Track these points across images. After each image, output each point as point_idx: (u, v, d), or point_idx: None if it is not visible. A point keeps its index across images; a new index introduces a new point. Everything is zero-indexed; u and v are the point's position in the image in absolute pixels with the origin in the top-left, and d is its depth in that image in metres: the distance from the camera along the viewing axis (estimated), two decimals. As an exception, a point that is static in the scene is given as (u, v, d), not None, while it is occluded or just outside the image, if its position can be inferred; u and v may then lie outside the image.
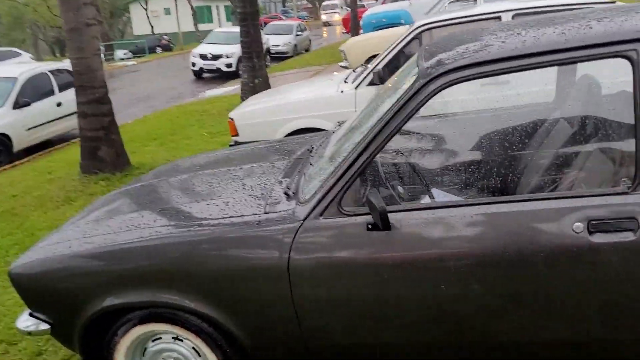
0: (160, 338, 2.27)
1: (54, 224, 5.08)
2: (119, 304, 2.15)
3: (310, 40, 24.45)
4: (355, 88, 4.73)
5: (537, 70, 1.81)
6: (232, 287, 2.04)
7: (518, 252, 1.78)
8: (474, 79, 1.84)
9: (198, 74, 17.85)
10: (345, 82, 5.00)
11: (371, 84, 4.65)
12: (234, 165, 2.82)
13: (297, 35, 22.40)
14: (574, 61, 1.81)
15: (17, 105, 8.96)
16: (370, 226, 1.88)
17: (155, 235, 2.15)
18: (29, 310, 2.42)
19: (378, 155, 1.99)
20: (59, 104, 9.75)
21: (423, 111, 2.07)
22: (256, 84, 10.18)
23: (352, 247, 1.92)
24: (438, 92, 1.87)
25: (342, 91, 4.79)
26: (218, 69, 17.23)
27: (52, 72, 9.97)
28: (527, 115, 2.58)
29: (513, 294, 1.83)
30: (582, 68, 2.67)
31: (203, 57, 17.37)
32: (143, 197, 2.67)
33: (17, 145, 8.93)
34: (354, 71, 5.47)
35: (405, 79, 2.17)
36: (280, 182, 2.37)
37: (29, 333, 2.36)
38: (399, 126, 1.88)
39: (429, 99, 1.88)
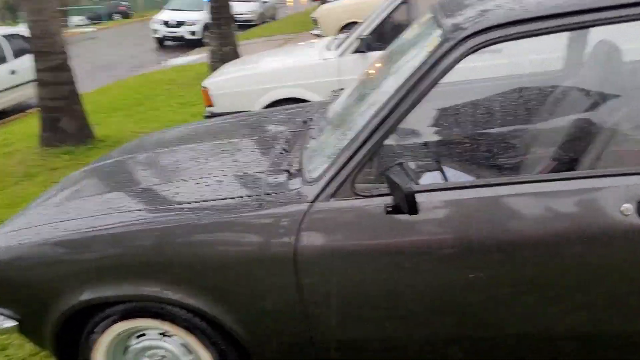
0: (144, 334, 2.02)
1: (14, 201, 4.70)
2: (98, 298, 1.88)
3: (276, 8, 23.79)
4: (339, 56, 4.46)
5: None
6: (230, 278, 1.79)
7: (557, 237, 1.59)
8: (511, 39, 1.61)
9: (160, 42, 17.14)
10: (328, 49, 4.71)
11: (357, 51, 4.38)
12: (220, 138, 2.54)
13: (264, 2, 21.73)
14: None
15: (-33, 73, 8.34)
16: (389, 209, 1.65)
17: (138, 219, 1.88)
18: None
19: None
20: (12, 72, 9.13)
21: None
22: (225, 52, 9.75)
23: (368, 232, 1.69)
24: (468, 55, 1.63)
25: (325, 59, 4.50)
26: (181, 37, 16.59)
27: (4, 37, 9.30)
28: (548, 82, 2.38)
29: (552, 283, 1.64)
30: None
31: (166, 24, 16.66)
32: (119, 175, 2.37)
33: (-32, 116, 8.34)
34: (335, 38, 5.18)
35: (421, 41, 1.93)
36: (278, 158, 2.11)
37: (-7, 331, 2.07)
38: (423, 94, 1.65)
39: (457, 62, 1.64)
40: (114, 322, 1.96)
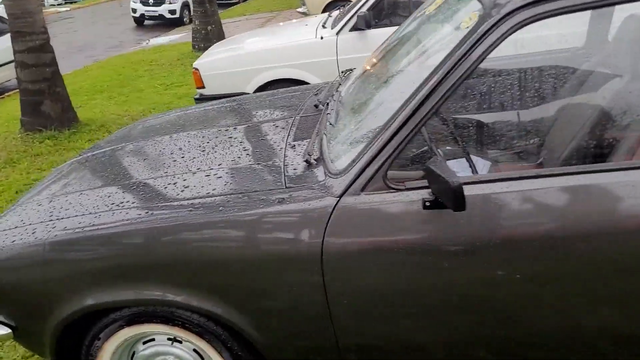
0: (153, 340, 1.87)
1: (-5, 190, 4.47)
2: (103, 303, 1.71)
3: (257, -14, 23.26)
4: (337, 34, 4.27)
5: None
6: (248, 279, 1.64)
7: (617, 234, 1.45)
8: (560, 13, 1.45)
9: (139, 21, 16.72)
10: (324, 27, 4.51)
11: (355, 28, 4.20)
12: (224, 124, 2.36)
13: (244, -21, 21.21)
14: None
15: (-60, 54, 7.94)
16: (427, 203, 1.50)
17: (146, 217, 1.70)
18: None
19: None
20: (-13, 53, 8.73)
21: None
22: (209, 31, 9.48)
23: (402, 229, 1.54)
24: (514, 31, 1.47)
25: (321, 37, 4.31)
26: (161, 16, 16.16)
27: (-22, 16, 8.87)
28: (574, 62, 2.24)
29: (609, 285, 1.50)
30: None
31: (144, 2, 16.20)
32: (117, 165, 2.18)
33: (-58, 99, 7.97)
34: (329, 16, 4.98)
35: (453, 17, 1.77)
36: (293, 147, 1.94)
37: (-15, 340, 1.90)
38: (463, 76, 1.49)
39: (502, 40, 1.48)
40: (120, 327, 1.80)
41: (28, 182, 4.57)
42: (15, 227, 1.88)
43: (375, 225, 1.55)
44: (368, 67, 2.24)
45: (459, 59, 1.48)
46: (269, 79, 4.40)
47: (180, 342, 1.84)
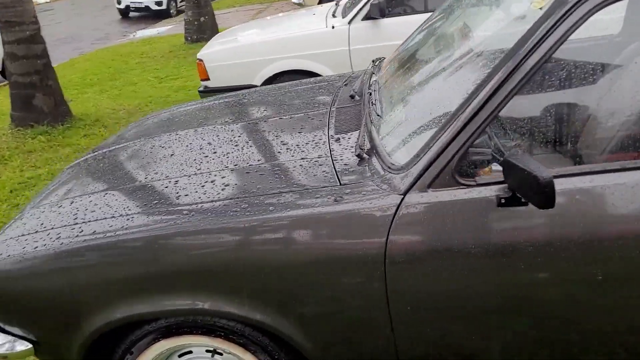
0: (190, 352, 1.71)
1: (-11, 189, 4.25)
2: (140, 314, 1.55)
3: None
4: (348, 23, 4.11)
5: None
6: (300, 285, 1.49)
7: None
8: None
9: (124, 13, 16.40)
10: (334, 16, 4.35)
11: (367, 17, 4.04)
12: (252, 118, 2.19)
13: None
14: None
15: None
16: (503, 200, 1.36)
17: (186, 219, 1.54)
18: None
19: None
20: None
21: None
22: (202, 22, 9.26)
23: (475, 228, 1.40)
24: (595, 12, 1.34)
25: (332, 27, 4.15)
26: (147, 7, 15.89)
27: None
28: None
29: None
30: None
31: (130, -6, 15.90)
32: (143, 161, 2.00)
33: None
34: (336, 4, 4.82)
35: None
36: (337, 140, 1.79)
37: (5, 357, 1.72)
38: (544, 59, 1.35)
39: (583, 21, 1.35)
40: (155, 340, 1.64)
41: (23, 181, 4.35)
42: (36, 232, 1.70)
43: (444, 225, 1.41)
44: (407, 55, 2.09)
45: (539, 41, 1.35)
46: (278, 70, 4.24)
47: (220, 354, 1.69)
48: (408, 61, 2.05)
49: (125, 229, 1.57)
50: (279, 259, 1.47)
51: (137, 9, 16.07)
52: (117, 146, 2.25)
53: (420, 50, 2.07)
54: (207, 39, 9.39)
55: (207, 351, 1.70)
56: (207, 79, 4.46)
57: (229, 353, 1.66)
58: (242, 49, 4.42)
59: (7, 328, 1.73)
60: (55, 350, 1.71)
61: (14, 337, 1.73)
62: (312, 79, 2.74)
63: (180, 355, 1.73)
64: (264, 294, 1.51)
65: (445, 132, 1.40)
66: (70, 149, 4.92)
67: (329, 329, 1.55)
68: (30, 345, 1.70)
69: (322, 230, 1.46)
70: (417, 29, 2.34)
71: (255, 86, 4.29)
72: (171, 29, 12.73)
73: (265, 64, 4.26)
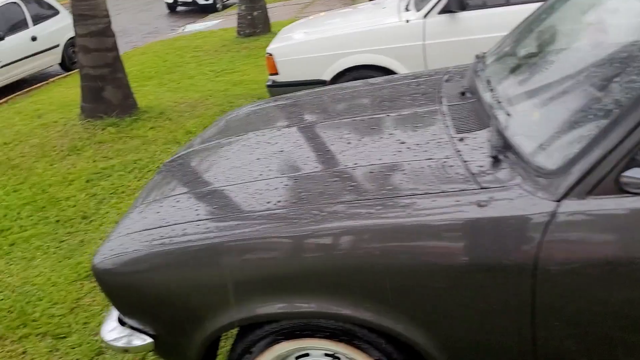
0: (307, 355, 1.70)
1: (67, 177, 4.37)
2: (268, 315, 1.55)
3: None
4: (424, 17, 4.05)
5: None
6: (438, 293, 1.45)
7: None
8: None
9: (171, 7, 16.60)
10: (407, 10, 4.29)
11: (445, 11, 3.97)
12: (357, 115, 2.16)
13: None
14: None
15: (-11, 39, 7.90)
16: None
17: (321, 216, 1.52)
18: (116, 313, 1.81)
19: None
20: (34, 39, 8.66)
21: None
22: (255, 16, 9.29)
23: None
24: None
25: (407, 21, 4.09)
26: (194, 2, 16.04)
27: (23, 1, 8.79)
28: None
29: None
30: None
31: (178, -12, 16.10)
32: (256, 155, 1.97)
33: (-9, 85, 7.93)
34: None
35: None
36: (462, 139, 1.74)
37: (126, 350, 1.75)
38: None
39: None
40: (276, 341, 1.63)
41: (97, 171, 4.45)
42: (159, 227, 1.71)
43: (607, 235, 1.34)
44: (532, 48, 2.03)
45: None
46: (349, 65, 4.21)
47: (338, 358, 1.67)
48: (535, 55, 1.98)
49: (257, 228, 1.56)
50: (416, 265, 1.44)
51: (184, 4, 16.26)
52: (222, 139, 2.25)
53: (550, 42, 2.00)
54: (260, 34, 9.47)
55: (326, 355, 1.68)
56: (276, 73, 4.46)
57: (350, 358, 1.64)
58: (312, 43, 4.41)
59: (128, 321, 1.76)
60: (174, 346, 1.73)
61: (132, 331, 1.75)
62: (404, 74, 2.70)
63: (297, 358, 1.72)
64: (400, 301, 1.47)
65: (610, 134, 1.31)
66: (139, 140, 5.01)
67: (465, 341, 1.50)
68: (150, 340, 1.72)
69: (464, 236, 1.42)
70: (532, 16, 2.25)
71: (325, 81, 4.28)
72: (219, 23, 12.82)
73: (336, 58, 4.23)
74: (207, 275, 1.59)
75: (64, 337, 2.57)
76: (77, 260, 3.17)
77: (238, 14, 9.46)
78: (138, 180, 4.16)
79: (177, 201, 1.84)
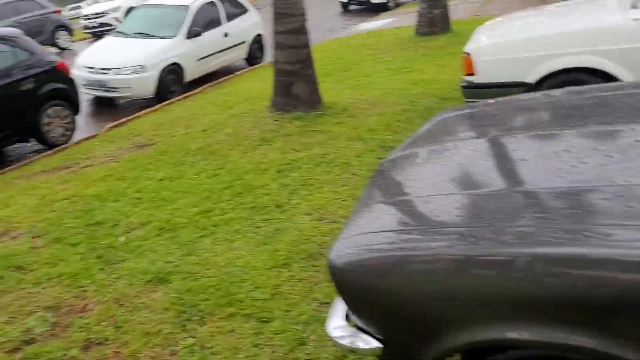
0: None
1: (259, 167, 4.60)
2: (519, 340, 1.41)
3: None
4: (656, 16, 3.57)
5: None
6: None
7: None
8: None
9: (345, 6, 16.98)
10: (634, 7, 3.83)
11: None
12: (621, 124, 1.93)
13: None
14: None
15: (190, 35, 8.66)
16: None
17: (585, 238, 1.35)
18: (342, 310, 1.79)
19: None
20: (225, 35, 9.37)
21: None
22: (435, 15, 9.10)
23: None
24: None
25: (634, 19, 3.64)
26: (367, 1, 16.24)
27: (220, 1, 9.55)
28: None
29: None
30: None
31: (353, -13, 16.42)
32: (516, 158, 1.85)
33: (188, 75, 8.71)
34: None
35: None
36: None
37: (352, 351, 1.72)
38: None
39: None
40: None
41: (286, 162, 4.61)
42: (398, 231, 1.65)
43: None
44: None
45: None
46: (558, 68, 3.88)
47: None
48: None
49: (507, 243, 1.43)
50: None
51: (358, 3, 16.54)
52: (450, 142, 2.14)
53: None
54: (438, 33, 9.24)
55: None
56: (472, 74, 4.26)
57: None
58: (516, 42, 4.14)
59: (355, 320, 1.73)
60: (403, 356, 1.66)
61: (356, 330, 1.71)
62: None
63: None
64: None
65: None
66: (324, 135, 5.12)
67: None
68: (377, 344, 1.66)
69: None
70: None
71: (528, 84, 3.98)
72: (392, 21, 12.80)
73: (544, 60, 3.92)
74: (453, 289, 1.49)
75: (267, 322, 2.66)
76: (274, 247, 3.29)
77: (418, 12, 9.34)
78: (327, 175, 4.24)
79: (411, 205, 1.77)
